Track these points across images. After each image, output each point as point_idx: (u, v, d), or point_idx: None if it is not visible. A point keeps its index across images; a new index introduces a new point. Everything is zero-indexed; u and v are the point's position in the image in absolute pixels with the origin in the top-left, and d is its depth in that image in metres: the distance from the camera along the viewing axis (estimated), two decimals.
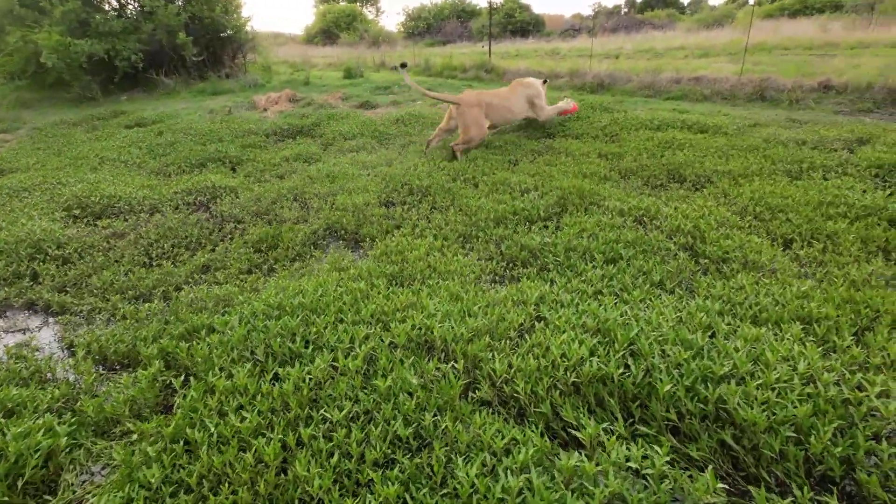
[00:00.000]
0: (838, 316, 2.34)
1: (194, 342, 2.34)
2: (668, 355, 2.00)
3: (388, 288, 2.85)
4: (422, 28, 40.39)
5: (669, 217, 3.65)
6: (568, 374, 1.96)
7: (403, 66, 6.32)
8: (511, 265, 3.25)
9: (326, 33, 36.93)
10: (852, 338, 2.19)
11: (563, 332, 2.26)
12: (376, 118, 8.17)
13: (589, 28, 32.65)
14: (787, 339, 2.16)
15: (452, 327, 2.30)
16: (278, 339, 2.26)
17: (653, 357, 1.97)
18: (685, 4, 51.46)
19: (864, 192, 3.96)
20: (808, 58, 11.21)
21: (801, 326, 2.26)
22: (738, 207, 3.91)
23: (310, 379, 2.00)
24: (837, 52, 12.36)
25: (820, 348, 2.07)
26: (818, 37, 15.71)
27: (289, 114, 8.99)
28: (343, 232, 3.95)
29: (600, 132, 6.52)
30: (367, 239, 3.77)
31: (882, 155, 4.61)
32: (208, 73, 12.67)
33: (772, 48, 14.71)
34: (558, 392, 1.94)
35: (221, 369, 2.14)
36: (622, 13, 46.91)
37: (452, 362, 2.08)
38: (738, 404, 1.75)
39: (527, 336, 2.28)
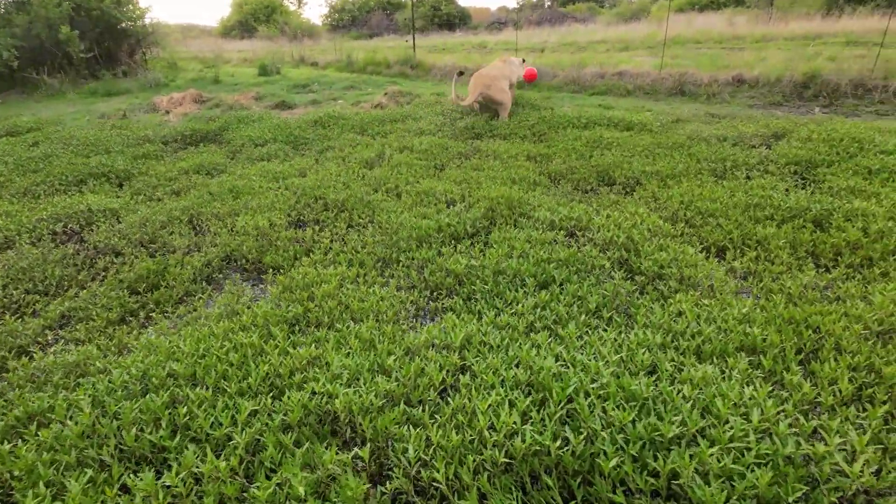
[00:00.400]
0: (782, 343, 2.16)
1: (19, 442, 1.79)
2: (611, 416, 1.71)
3: (289, 337, 2.40)
4: (346, 21, 39.13)
5: (602, 227, 3.44)
6: (497, 451, 1.62)
7: (461, 74, 7.49)
8: (435, 294, 2.89)
9: (244, 26, 34.87)
10: (799, 367, 2.02)
11: (492, 386, 1.93)
12: (292, 120, 7.53)
13: (514, 21, 32.92)
14: (735, 376, 1.94)
15: (360, 394, 1.90)
16: (135, 429, 1.76)
17: (593, 422, 1.67)
18: None
19: (787, 191, 3.94)
20: (720, 51, 11.68)
21: (748, 359, 2.06)
22: (668, 213, 3.77)
23: (167, 490, 1.54)
24: (745, 46, 13.00)
25: (769, 385, 1.87)
26: (726, 30, 16.54)
27: (193, 117, 8.14)
28: (243, 261, 3.42)
29: (528, 132, 6.30)
30: (272, 269, 3.28)
31: (798, 151, 4.67)
32: (101, 72, 11.31)
33: (685, 41, 15.30)
34: (486, 475, 1.60)
35: (49, 484, 1.62)
36: (546, 6, 47.84)
37: (356, 449, 1.68)
38: (693, 480, 1.48)
39: (450, 397, 1.93)
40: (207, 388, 2.01)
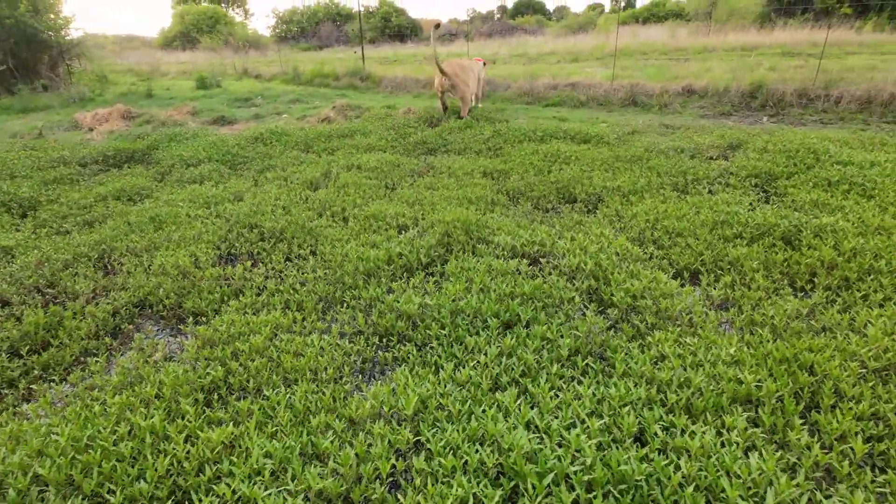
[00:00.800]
0: (778, 390, 1.91)
1: None
2: None
3: (204, 411, 1.95)
4: (295, 32, 38.27)
5: (567, 252, 3.16)
6: None
7: (437, 26, 8.30)
8: (385, 341, 2.50)
9: (186, 37, 33.46)
10: (801, 420, 1.76)
11: (453, 471, 1.56)
12: (231, 137, 6.98)
13: (465, 33, 33.12)
14: (735, 439, 1.66)
15: (286, 497, 1.49)
16: None
17: None
18: (551, 11, 54.77)
19: (752, 206, 3.80)
20: (667, 62, 11.92)
21: (745, 414, 1.79)
22: (635, 232, 3.55)
23: None
24: (690, 57, 13.36)
25: (774, 448, 1.60)
26: (670, 42, 17.04)
27: (120, 134, 7.43)
28: (160, 307, 2.92)
29: (483, 146, 6.03)
30: (192, 317, 2.80)
31: (756, 163, 4.58)
32: (17, 87, 10.29)
33: (633, 53, 15.63)
34: None
35: None
36: (496, 19, 48.60)
37: None
38: None
39: (401, 493, 1.55)
40: (84, 500, 1.54)
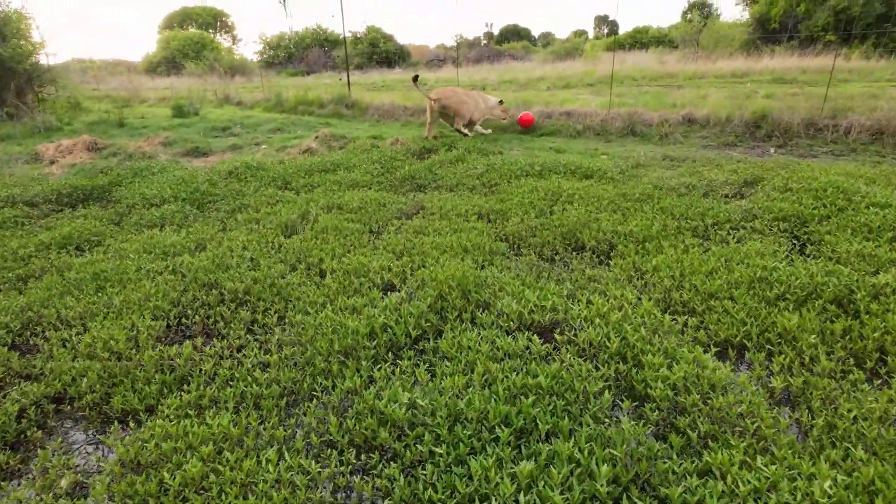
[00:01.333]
0: None
1: None
2: None
3: None
4: (282, 57, 38.18)
5: (585, 322, 2.64)
6: None
7: (416, 78, 8.56)
8: (363, 457, 1.94)
9: (170, 62, 33.12)
10: None
11: None
12: (203, 171, 6.43)
13: (453, 58, 33.24)
14: None
15: None
16: None
17: None
18: (536, 37, 55.70)
19: (790, 258, 3.33)
20: (660, 89, 11.70)
21: None
22: (659, 292, 3.04)
23: None
24: (682, 84, 13.19)
25: None
26: (659, 68, 16.99)
27: (82, 169, 6.85)
28: (82, 403, 2.33)
29: (477, 182, 5.55)
30: (120, 419, 2.22)
31: (781, 204, 4.14)
32: None
33: (623, 79, 15.49)
34: None
35: None
36: (483, 44, 49.18)
37: None
38: None
39: None
40: None
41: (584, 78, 15.97)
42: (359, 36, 36.07)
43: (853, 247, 3.30)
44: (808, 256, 3.42)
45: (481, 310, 2.89)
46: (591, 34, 54.20)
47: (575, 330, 2.62)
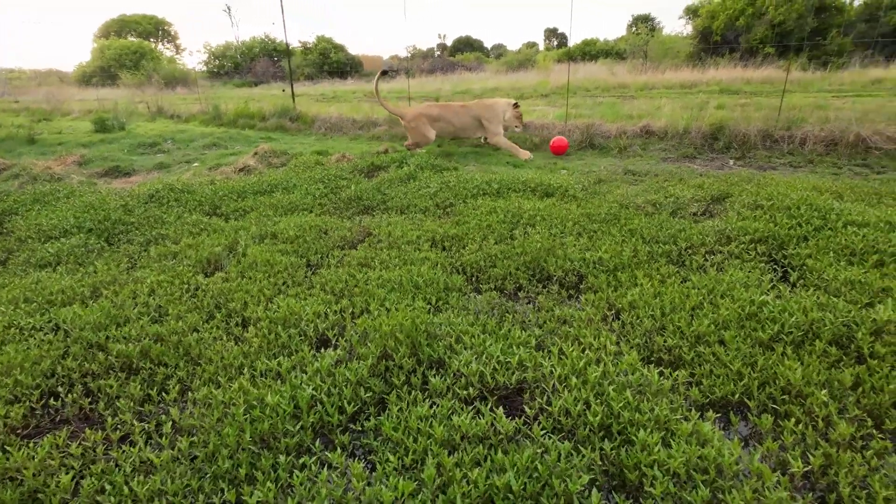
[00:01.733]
0: None
1: None
2: None
3: None
4: (229, 68, 36.76)
5: (559, 383, 2.18)
6: None
7: (384, 73, 8.04)
8: None
9: (106, 73, 31.19)
10: None
11: None
12: (119, 195, 5.66)
13: (407, 69, 32.91)
14: None
15: None
16: None
17: None
18: (489, 48, 56.37)
19: (777, 290, 3.00)
20: (615, 100, 11.66)
21: None
22: (640, 336, 2.63)
23: None
24: (632, 94, 13.25)
25: None
26: (610, 79, 17.15)
27: None
28: None
29: (431, 202, 5.07)
30: None
31: (754, 223, 3.86)
32: None
33: (576, 89, 15.50)
34: None
35: None
36: (436, 55, 49.20)
37: None
38: None
39: None
40: None
41: (537, 88, 15.89)
42: (308, 46, 35.20)
43: (841, 273, 3.01)
44: (794, 286, 3.11)
45: (435, 370, 2.39)
46: (541, 46, 55.31)
47: (547, 394, 2.16)
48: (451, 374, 2.30)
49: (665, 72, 16.85)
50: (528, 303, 3.22)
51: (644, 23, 33.72)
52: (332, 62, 33.70)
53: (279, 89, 22.77)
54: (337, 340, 2.68)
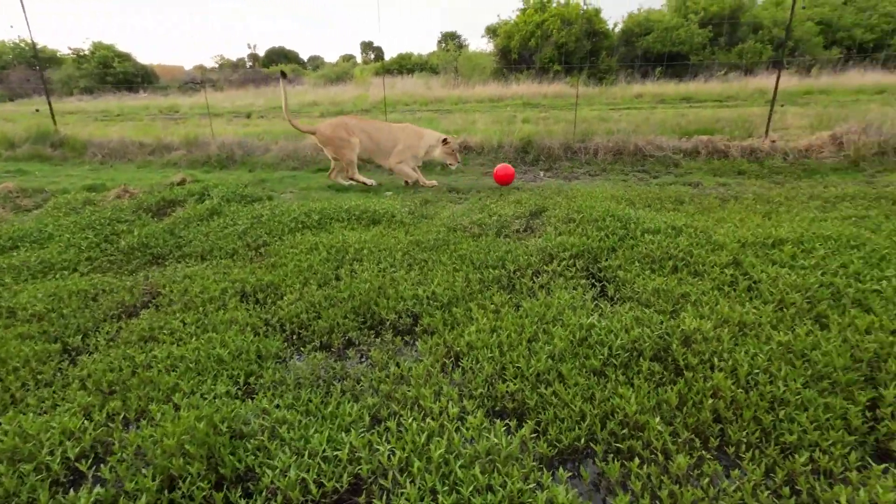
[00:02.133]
0: None
1: None
2: None
3: None
4: None
5: (397, 470, 1.83)
6: None
7: (284, 76, 6.81)
8: None
9: None
10: None
11: None
12: None
13: (213, 81, 29.93)
14: None
15: None
16: None
17: None
18: (305, 60, 54.65)
19: (600, 310, 3.07)
20: (432, 114, 11.93)
21: None
22: (481, 384, 2.42)
23: None
24: (448, 108, 13.78)
25: None
26: (427, 93, 17.71)
27: None
28: None
29: (239, 242, 4.34)
30: None
31: (570, 238, 4.01)
32: None
33: (395, 103, 15.61)
34: None
35: None
36: (248, 66, 45.94)
37: None
38: None
39: None
40: None
41: (357, 103, 15.62)
42: (83, 54, 29.80)
43: (648, 283, 3.22)
44: (613, 300, 3.24)
45: (240, 489, 1.84)
46: (359, 59, 55.47)
47: (388, 493, 1.79)
48: (263, 493, 1.78)
49: (475, 87, 18.03)
50: (361, 359, 2.82)
51: (452, 39, 35.98)
52: (116, 73, 28.98)
53: (41, 104, 18.65)
54: (97, 471, 1.94)
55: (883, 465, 1.81)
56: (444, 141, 6.34)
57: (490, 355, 2.59)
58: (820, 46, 21.55)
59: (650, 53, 21.99)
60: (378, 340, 2.91)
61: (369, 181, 6.54)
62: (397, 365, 2.59)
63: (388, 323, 3.09)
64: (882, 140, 6.82)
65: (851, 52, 20.82)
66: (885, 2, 22.74)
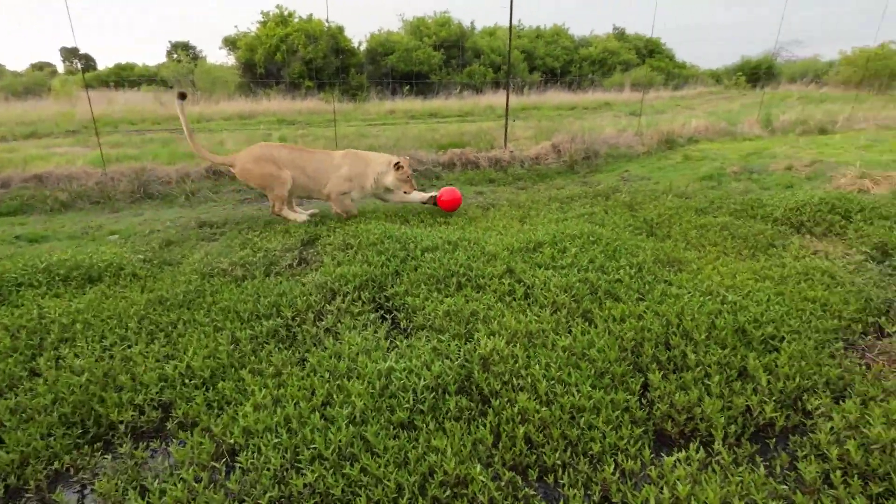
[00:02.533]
0: None
1: None
2: None
3: None
4: None
5: None
6: None
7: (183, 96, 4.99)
8: None
9: None
10: None
11: None
12: None
13: None
14: None
15: None
16: None
17: None
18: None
19: (397, 349, 2.79)
20: (168, 135, 10.12)
21: None
22: (269, 485, 1.87)
23: None
24: (178, 127, 12.00)
25: None
26: (159, 110, 15.22)
27: None
28: None
29: None
30: None
31: (352, 269, 3.66)
32: None
33: (118, 122, 12.91)
34: None
35: None
36: None
37: None
38: None
39: None
40: None
41: (60, 123, 12.36)
42: None
43: (438, 307, 3.08)
44: (408, 333, 3.01)
45: None
46: (60, 68, 45.00)
47: None
48: None
49: (219, 102, 16.24)
50: (81, 500, 1.94)
51: (184, 50, 32.10)
52: None
53: None
54: None
55: (673, 458, 1.95)
56: (397, 165, 5.11)
57: (276, 440, 2.05)
58: (526, 71, 26.18)
59: (396, 72, 23.34)
60: (108, 459, 2.06)
61: (303, 216, 5.19)
62: (141, 492, 1.83)
63: (122, 426, 2.23)
64: (586, 147, 8.42)
65: (548, 76, 25.86)
66: (563, 38, 29.02)
